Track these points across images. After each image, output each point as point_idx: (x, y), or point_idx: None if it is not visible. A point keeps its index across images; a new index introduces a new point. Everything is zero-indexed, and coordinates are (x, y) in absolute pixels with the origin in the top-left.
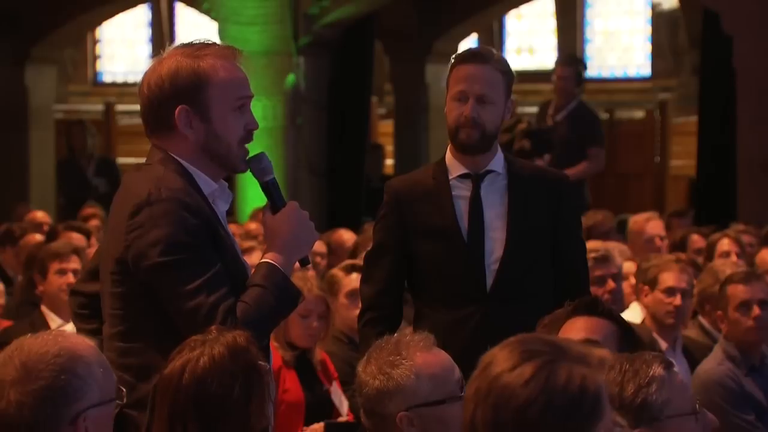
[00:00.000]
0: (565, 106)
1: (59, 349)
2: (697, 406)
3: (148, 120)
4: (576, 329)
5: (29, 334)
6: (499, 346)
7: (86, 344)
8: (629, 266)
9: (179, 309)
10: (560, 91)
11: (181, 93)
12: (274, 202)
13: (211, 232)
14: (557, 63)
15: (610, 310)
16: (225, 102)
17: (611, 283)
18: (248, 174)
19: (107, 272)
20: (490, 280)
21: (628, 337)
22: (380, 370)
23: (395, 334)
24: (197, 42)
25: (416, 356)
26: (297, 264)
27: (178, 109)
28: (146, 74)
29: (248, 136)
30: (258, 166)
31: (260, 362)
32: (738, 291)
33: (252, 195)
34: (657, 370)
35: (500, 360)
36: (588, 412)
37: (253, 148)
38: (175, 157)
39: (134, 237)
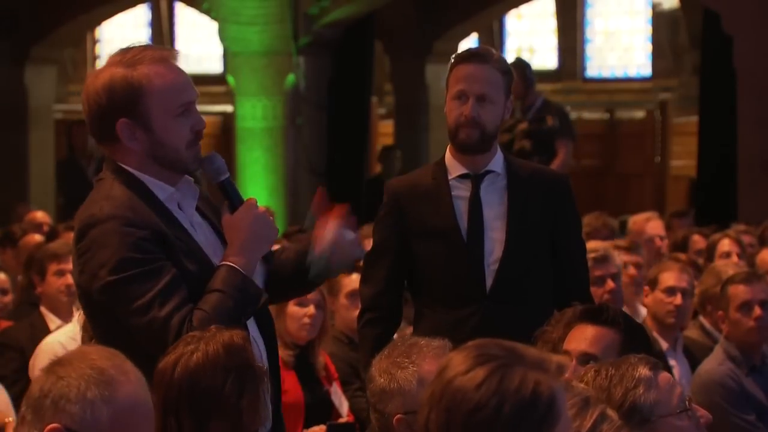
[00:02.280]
0: (531, 108)
1: None
2: (688, 402)
3: (94, 133)
4: (577, 338)
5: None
6: (456, 350)
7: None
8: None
9: (134, 325)
10: (515, 93)
11: (119, 106)
12: (232, 201)
13: (161, 241)
14: None
15: (616, 318)
16: (165, 110)
17: (611, 283)
18: (245, 174)
19: (77, 296)
20: (489, 280)
21: (633, 344)
22: (387, 369)
23: (411, 335)
24: (134, 47)
25: (424, 363)
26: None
27: (119, 123)
28: (85, 86)
29: (196, 138)
30: (211, 166)
31: (257, 363)
32: (739, 291)
33: (250, 194)
34: (643, 371)
35: (455, 363)
36: (540, 417)
37: (254, 148)
38: (125, 167)
39: (84, 261)
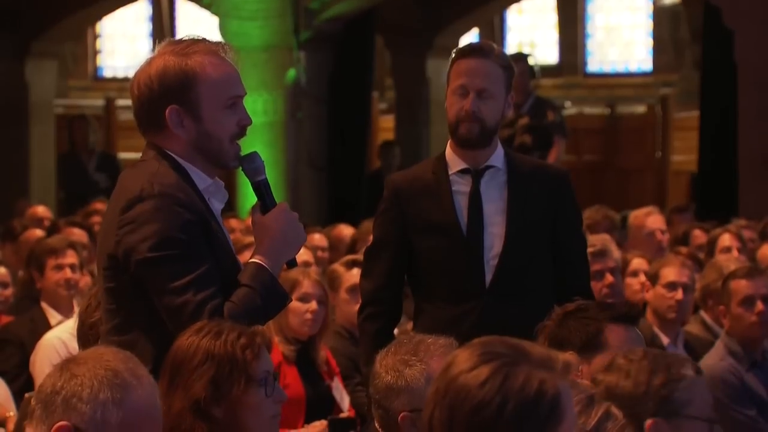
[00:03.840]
0: (524, 103)
1: None
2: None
3: (140, 119)
4: (621, 341)
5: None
6: (462, 347)
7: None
8: (640, 263)
9: (166, 305)
10: (516, 87)
11: (170, 92)
12: (265, 202)
13: (203, 228)
14: None
15: (639, 315)
16: (215, 100)
17: (609, 277)
18: None
19: (100, 268)
20: (489, 276)
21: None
22: (394, 366)
23: (412, 331)
24: (187, 39)
25: (432, 361)
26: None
27: (168, 108)
28: (136, 74)
29: (241, 132)
30: (250, 165)
31: (255, 365)
32: (741, 286)
33: (251, 190)
34: (689, 371)
35: (460, 361)
36: (544, 416)
37: (254, 143)
38: (169, 152)
39: (125, 232)
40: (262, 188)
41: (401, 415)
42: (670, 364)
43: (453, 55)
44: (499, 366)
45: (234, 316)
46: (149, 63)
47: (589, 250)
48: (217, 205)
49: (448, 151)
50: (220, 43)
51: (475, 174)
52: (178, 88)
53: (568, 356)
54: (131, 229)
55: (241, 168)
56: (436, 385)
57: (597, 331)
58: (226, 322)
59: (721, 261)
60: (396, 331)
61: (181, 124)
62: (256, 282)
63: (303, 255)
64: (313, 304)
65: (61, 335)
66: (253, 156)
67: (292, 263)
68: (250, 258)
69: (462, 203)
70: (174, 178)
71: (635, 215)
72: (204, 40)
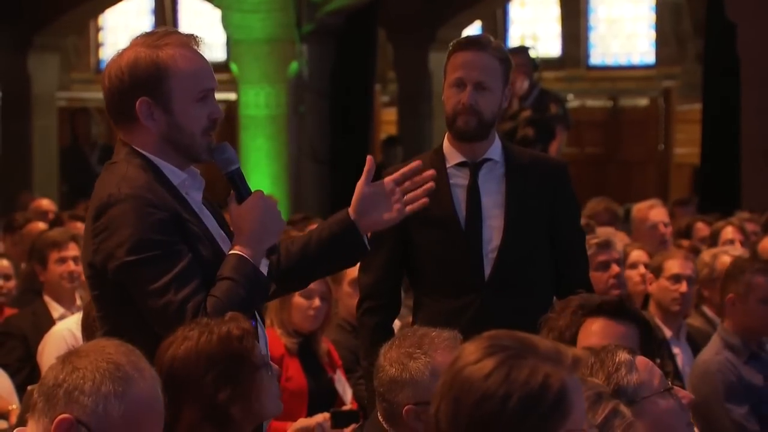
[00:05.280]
0: (528, 96)
1: None
2: (669, 383)
3: (111, 110)
4: (607, 336)
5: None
6: (471, 340)
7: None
8: (639, 254)
9: (149, 307)
10: (518, 76)
11: (141, 84)
12: (240, 192)
13: (178, 224)
14: None
15: (635, 312)
16: (186, 93)
17: (615, 268)
18: (248, 161)
19: (86, 277)
20: (488, 269)
21: (646, 336)
22: (398, 359)
23: (412, 324)
24: (158, 31)
25: (436, 354)
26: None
27: (138, 101)
28: (108, 65)
29: (212, 126)
30: (221, 156)
31: (255, 356)
32: (762, 283)
33: (253, 184)
34: (622, 356)
35: (466, 354)
36: (548, 410)
37: (257, 136)
38: (140, 150)
39: (100, 240)
40: (235, 178)
41: (406, 408)
42: (603, 359)
43: (450, 48)
44: (505, 358)
45: (218, 310)
46: (120, 54)
47: (594, 241)
48: (194, 195)
49: (446, 144)
50: (192, 35)
51: (473, 167)
52: (149, 80)
53: (578, 351)
54: (106, 236)
55: (213, 159)
56: (443, 379)
57: (576, 329)
58: (206, 321)
59: (707, 256)
60: (397, 323)
61: (152, 116)
62: (238, 274)
63: None
64: (316, 301)
65: (70, 326)
66: (224, 146)
67: (272, 250)
68: (231, 249)
69: (460, 196)
70: (143, 179)
71: (638, 208)
72: (176, 32)
